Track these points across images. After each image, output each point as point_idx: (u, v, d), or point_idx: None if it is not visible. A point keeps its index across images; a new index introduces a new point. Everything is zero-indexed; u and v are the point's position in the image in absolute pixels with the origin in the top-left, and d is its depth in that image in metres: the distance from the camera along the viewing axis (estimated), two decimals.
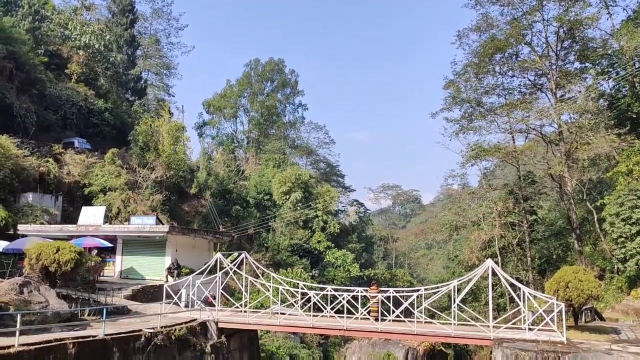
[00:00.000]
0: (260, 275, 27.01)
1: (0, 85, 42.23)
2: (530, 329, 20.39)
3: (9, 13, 53.66)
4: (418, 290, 22.99)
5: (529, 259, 44.03)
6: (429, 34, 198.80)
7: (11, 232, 30.86)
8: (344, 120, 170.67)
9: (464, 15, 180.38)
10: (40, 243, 22.43)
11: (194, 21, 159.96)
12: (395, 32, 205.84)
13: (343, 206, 78.89)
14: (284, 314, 25.07)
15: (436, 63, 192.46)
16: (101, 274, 31.53)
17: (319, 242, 59.71)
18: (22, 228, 31.69)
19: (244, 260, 26.35)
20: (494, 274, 21.09)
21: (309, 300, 24.41)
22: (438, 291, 22.44)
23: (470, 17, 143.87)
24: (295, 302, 25.47)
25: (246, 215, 59.65)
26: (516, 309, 27.65)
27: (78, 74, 56.07)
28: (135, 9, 70.95)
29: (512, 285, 22.09)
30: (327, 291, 23.95)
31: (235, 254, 34.65)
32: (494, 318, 22.54)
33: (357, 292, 23.86)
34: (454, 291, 21.49)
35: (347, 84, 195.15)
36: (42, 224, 34.38)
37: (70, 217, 39.12)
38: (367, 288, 25.24)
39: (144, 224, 33.23)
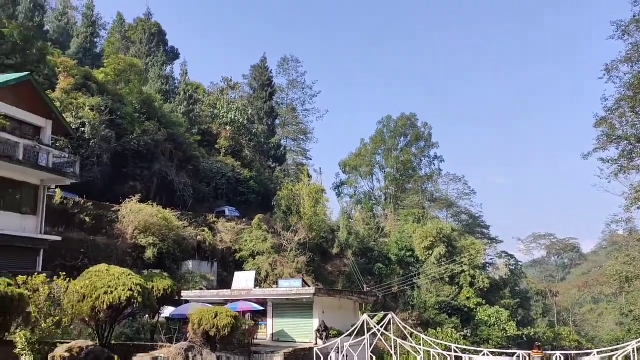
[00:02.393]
0: (408, 336, 25.94)
1: (163, 164, 47.23)
2: None
3: (168, 100, 60.73)
4: (590, 353, 20.35)
5: None
6: (570, 74, 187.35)
7: (176, 298, 33.40)
8: (482, 168, 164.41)
9: (600, 55, 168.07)
10: (201, 309, 23.85)
11: (326, 86, 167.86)
12: (533, 75, 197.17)
13: (491, 259, 74.50)
14: None
15: (581, 97, 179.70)
16: (255, 337, 32.55)
17: (468, 298, 56.55)
18: (185, 294, 34.15)
19: (391, 320, 25.57)
20: None
21: None
22: (614, 353, 19.66)
23: (616, 49, 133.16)
24: None
25: (389, 272, 58.76)
26: None
27: (226, 148, 61.08)
28: (273, 83, 76.46)
29: None
30: (484, 354, 22.19)
31: (382, 314, 33.91)
32: None
33: (519, 355, 21.77)
34: (634, 354, 18.66)
35: (482, 134, 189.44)
36: (202, 289, 36.83)
37: (224, 281, 41.53)
38: (530, 351, 22.94)
39: (291, 286, 34.00)
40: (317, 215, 50.37)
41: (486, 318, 54.45)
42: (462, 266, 58.69)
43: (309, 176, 56.12)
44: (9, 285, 11.72)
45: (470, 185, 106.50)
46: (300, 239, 47.68)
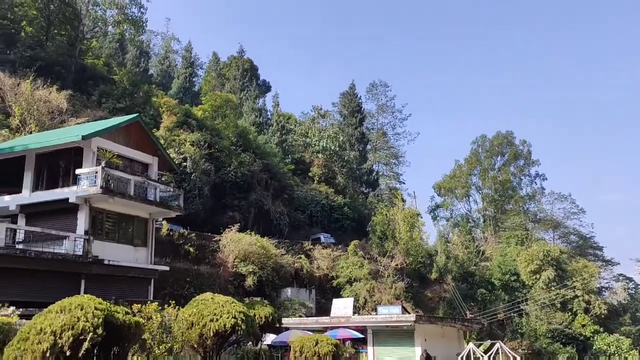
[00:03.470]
0: None
1: (259, 194, 48.65)
2: None
3: (262, 132, 62.91)
4: None
5: None
6: None
7: (277, 325, 33.83)
8: (592, 184, 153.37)
9: None
10: (302, 336, 23.88)
11: (416, 109, 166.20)
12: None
13: (607, 282, 68.75)
14: None
15: None
16: None
17: (583, 326, 52.33)
18: (285, 321, 34.45)
19: (499, 349, 24.08)
20: None
21: None
22: None
23: None
24: None
25: (493, 298, 55.93)
26: None
27: (319, 175, 61.91)
28: (362, 109, 76.90)
29: None
30: None
31: (488, 342, 32.10)
32: None
33: None
34: None
35: (590, 147, 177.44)
36: (301, 316, 37.06)
37: (322, 308, 41.51)
38: None
39: (390, 313, 33.23)
40: (414, 239, 49.31)
41: (605, 347, 50.00)
42: (574, 291, 54.57)
43: (403, 200, 55.35)
44: (127, 313, 12.29)
45: (579, 204, 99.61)
46: (397, 265, 46.80)
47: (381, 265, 47.24)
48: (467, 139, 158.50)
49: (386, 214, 50.48)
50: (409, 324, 31.74)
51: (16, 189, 26.48)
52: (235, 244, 38.54)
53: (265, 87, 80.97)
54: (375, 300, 42.91)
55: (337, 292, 43.91)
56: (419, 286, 50.56)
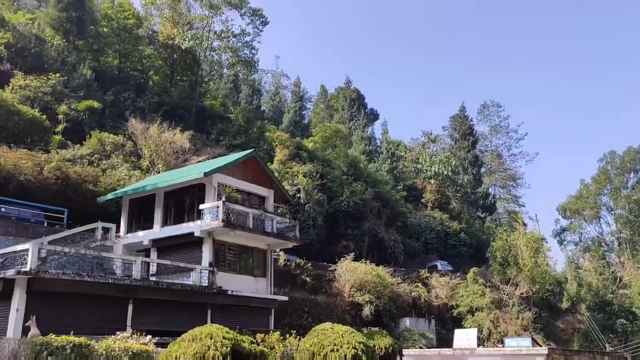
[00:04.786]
0: None
1: (372, 222, 48.41)
2: None
3: (372, 160, 63.00)
4: None
5: None
6: None
7: (397, 357, 32.86)
8: None
9: None
10: None
11: (533, 128, 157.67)
12: None
13: None
14: None
15: None
16: None
17: None
18: (406, 352, 33.38)
19: None
20: None
21: None
22: None
23: None
24: None
25: (635, 329, 50.27)
26: None
27: (432, 201, 60.42)
28: (474, 131, 74.49)
29: None
30: None
31: None
32: None
33: None
34: None
35: None
36: (421, 347, 35.74)
37: (443, 339, 39.79)
38: None
39: (519, 346, 30.97)
40: (539, 266, 45.96)
41: None
42: None
43: (524, 224, 52.08)
44: (252, 342, 12.54)
45: None
46: (522, 293, 43.76)
47: (504, 293, 44.46)
48: (592, 157, 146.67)
49: (506, 239, 47.69)
50: (541, 357, 29.35)
51: (149, 225, 28.58)
52: (351, 273, 38.39)
53: (373, 116, 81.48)
54: (501, 331, 40.32)
55: (457, 322, 41.92)
56: (548, 316, 46.86)
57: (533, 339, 33.60)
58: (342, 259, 39.88)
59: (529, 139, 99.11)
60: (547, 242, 50.45)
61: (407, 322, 40.05)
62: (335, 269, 39.41)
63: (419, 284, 43.98)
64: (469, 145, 71.76)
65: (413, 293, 42.34)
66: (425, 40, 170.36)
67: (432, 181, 62.55)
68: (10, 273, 19.14)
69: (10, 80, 41.47)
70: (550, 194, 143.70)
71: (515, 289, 44.15)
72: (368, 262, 40.72)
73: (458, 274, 47.90)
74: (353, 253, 41.31)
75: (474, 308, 42.51)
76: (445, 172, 63.13)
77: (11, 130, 36.36)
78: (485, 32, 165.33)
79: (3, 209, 27.55)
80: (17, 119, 37.13)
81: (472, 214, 65.37)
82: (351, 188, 48.40)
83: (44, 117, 39.21)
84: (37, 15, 55.53)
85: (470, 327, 39.07)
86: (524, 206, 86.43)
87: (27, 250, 19.54)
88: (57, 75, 43.66)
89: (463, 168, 69.19)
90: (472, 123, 75.85)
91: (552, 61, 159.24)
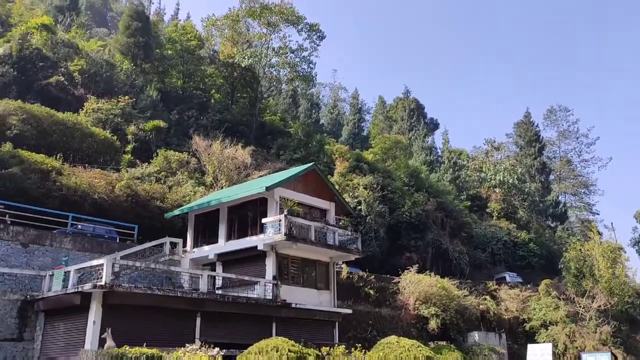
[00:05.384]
0: None
1: (435, 233, 47.42)
2: None
3: (434, 170, 61.90)
4: None
5: None
6: None
7: None
8: None
9: None
10: None
11: (605, 132, 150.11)
12: None
13: None
14: None
15: None
16: None
17: None
18: None
19: None
20: None
21: None
22: None
23: None
24: None
25: None
26: None
27: (498, 211, 58.49)
28: (541, 137, 71.82)
29: None
30: None
31: None
32: None
33: None
34: None
35: None
36: None
37: (515, 355, 38.22)
38: None
39: None
40: (617, 277, 43.31)
41: None
42: None
43: (599, 233, 49.35)
44: (317, 356, 12.45)
45: None
46: (599, 306, 41.34)
47: (580, 306, 42.13)
48: None
49: (581, 249, 45.30)
50: None
51: (214, 239, 29.22)
52: (415, 285, 37.61)
53: (433, 125, 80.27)
54: (577, 346, 38.19)
55: (530, 337, 40.11)
56: (628, 330, 43.92)
57: (612, 354, 31.74)
58: (405, 271, 39.18)
59: (601, 144, 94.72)
60: (625, 252, 47.49)
61: (475, 336, 38.70)
62: (399, 282, 38.75)
63: (487, 297, 42.46)
64: (535, 152, 69.17)
65: (481, 306, 40.92)
66: (486, 47, 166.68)
67: (497, 190, 60.63)
68: (87, 287, 20.02)
69: (84, 104, 43.88)
70: (626, 200, 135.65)
71: (592, 302, 41.77)
72: (432, 274, 39.79)
73: (528, 286, 45.98)
74: (417, 265, 40.51)
75: (548, 322, 40.57)
76: (510, 181, 61.05)
77: (86, 151, 38.33)
78: (550, 36, 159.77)
79: (79, 226, 28.94)
80: (91, 141, 39.13)
81: (541, 223, 62.73)
82: (413, 199, 47.69)
83: (115, 137, 41.14)
84: (108, 42, 58.77)
85: (544, 341, 37.33)
86: (598, 214, 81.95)
87: (101, 265, 20.40)
88: (126, 97, 45.82)
89: (530, 176, 66.72)
90: (538, 129, 73.15)
91: (620, 65, 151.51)
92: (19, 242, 24.79)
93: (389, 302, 37.63)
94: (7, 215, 26.04)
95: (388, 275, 40.28)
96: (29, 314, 22.45)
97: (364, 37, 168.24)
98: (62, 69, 46.28)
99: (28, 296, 22.29)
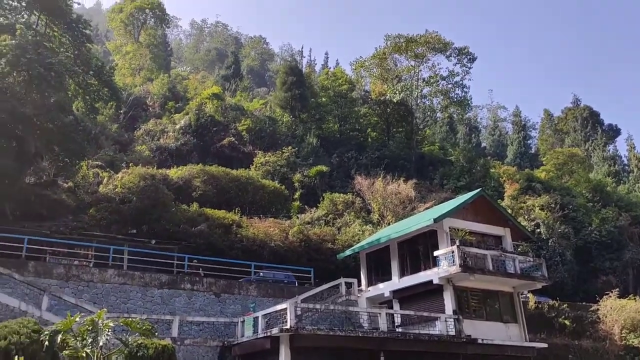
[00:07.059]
0: None
1: (634, 252, 41.95)
2: None
3: (621, 181, 55.16)
4: None
5: None
6: None
7: None
8: None
9: None
10: None
11: None
12: None
13: None
14: None
15: None
16: None
17: None
18: None
19: None
20: None
21: None
22: None
23: None
24: None
25: None
26: None
27: None
28: None
29: None
30: None
31: None
32: None
33: None
34: None
35: None
36: None
37: None
38: None
39: None
40: None
41: None
42: None
43: None
44: None
45: None
46: None
47: None
48: None
49: None
50: None
51: (387, 276, 28.92)
52: (619, 312, 33.15)
53: (612, 132, 72.03)
54: None
55: None
56: None
57: None
58: (604, 296, 34.85)
59: None
60: None
61: None
62: (597, 309, 34.55)
63: None
64: None
65: None
66: None
67: None
68: (274, 331, 20.92)
69: (253, 159, 47.47)
70: None
71: None
72: (638, 297, 34.80)
73: None
74: (617, 289, 35.80)
75: None
76: None
77: (259, 202, 41.11)
78: None
79: (261, 274, 30.74)
80: (263, 192, 41.91)
81: None
82: (600, 215, 42.96)
83: (283, 187, 43.61)
84: (268, 99, 63.48)
85: None
86: None
87: (285, 309, 21.21)
88: (289, 147, 48.62)
89: None
90: None
91: None
92: (213, 292, 27.02)
93: (589, 332, 33.68)
94: (201, 269, 28.67)
95: (583, 303, 36.23)
96: (227, 359, 24.08)
97: (517, 52, 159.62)
98: (232, 130, 50.82)
99: (225, 342, 23.92)
